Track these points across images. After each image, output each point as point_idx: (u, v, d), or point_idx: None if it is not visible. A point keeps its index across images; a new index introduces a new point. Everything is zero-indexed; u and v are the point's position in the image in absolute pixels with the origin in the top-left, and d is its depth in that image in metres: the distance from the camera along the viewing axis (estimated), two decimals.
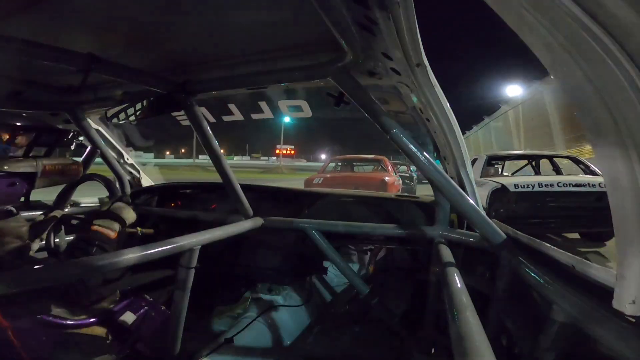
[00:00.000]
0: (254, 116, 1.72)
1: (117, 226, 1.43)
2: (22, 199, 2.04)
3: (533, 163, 6.76)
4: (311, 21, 1.04)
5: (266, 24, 1.12)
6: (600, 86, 0.47)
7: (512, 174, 6.98)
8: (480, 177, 5.85)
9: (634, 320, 0.52)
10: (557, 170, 6.32)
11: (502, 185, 5.00)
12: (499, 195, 4.94)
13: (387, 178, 7.98)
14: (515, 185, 4.95)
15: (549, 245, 1.09)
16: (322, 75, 1.29)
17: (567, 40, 0.46)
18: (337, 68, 1.22)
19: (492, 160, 6.64)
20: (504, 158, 7.26)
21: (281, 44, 1.27)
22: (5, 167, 1.57)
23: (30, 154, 1.99)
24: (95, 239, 1.36)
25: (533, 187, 4.93)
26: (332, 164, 10.05)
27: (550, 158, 6.62)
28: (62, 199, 1.96)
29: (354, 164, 10.04)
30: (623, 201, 0.51)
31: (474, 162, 6.67)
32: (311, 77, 1.33)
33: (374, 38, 0.97)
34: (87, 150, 2.34)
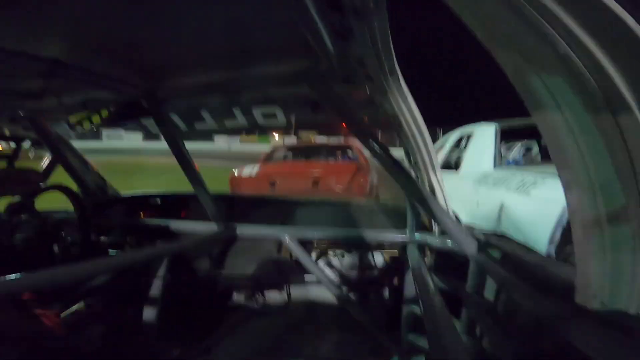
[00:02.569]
0: (227, 123, 1.70)
1: None
2: None
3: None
4: (286, 27, 1.04)
5: (240, 30, 1.11)
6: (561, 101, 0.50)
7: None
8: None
9: (595, 314, 0.55)
10: None
11: None
12: None
13: (359, 175, 5.36)
14: None
15: (515, 245, 1.14)
16: (297, 81, 1.29)
17: (528, 48, 0.48)
18: (312, 75, 1.23)
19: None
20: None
21: (255, 51, 1.26)
22: None
23: None
24: None
25: None
26: (281, 154, 7.00)
27: None
28: (20, 210, 1.84)
29: (311, 152, 6.98)
30: (579, 199, 0.55)
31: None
32: (286, 83, 1.33)
33: (349, 45, 0.98)
34: (47, 158, 2.21)
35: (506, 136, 3.27)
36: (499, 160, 3.04)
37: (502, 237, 1.15)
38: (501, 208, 2.26)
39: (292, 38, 1.10)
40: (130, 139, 30.98)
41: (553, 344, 0.67)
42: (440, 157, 4.08)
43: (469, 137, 3.64)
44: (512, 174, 2.47)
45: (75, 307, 1.52)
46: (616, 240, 0.51)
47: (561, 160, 0.55)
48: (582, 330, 0.51)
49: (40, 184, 2.06)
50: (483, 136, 3.29)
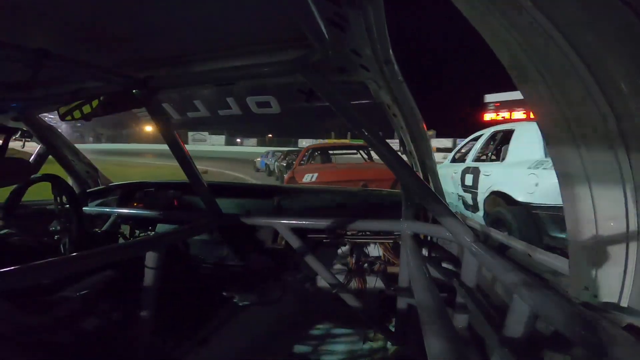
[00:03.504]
0: (221, 112, 1.67)
1: None
2: None
3: None
4: (281, 17, 1.02)
5: (234, 19, 1.09)
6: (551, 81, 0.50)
7: None
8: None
9: (586, 305, 0.56)
10: None
11: None
12: None
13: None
14: None
15: (508, 235, 1.16)
16: (292, 71, 1.28)
17: (525, 40, 0.48)
18: (306, 64, 1.22)
19: None
20: None
21: (250, 40, 1.24)
22: None
23: None
24: None
25: None
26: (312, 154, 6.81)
27: None
28: (11, 202, 1.81)
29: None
30: (574, 193, 0.55)
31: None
32: (280, 73, 1.31)
33: (344, 35, 0.97)
34: (37, 149, 2.18)
35: None
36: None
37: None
38: None
39: (287, 27, 1.08)
40: (214, 142, 30.94)
41: (546, 334, 0.69)
42: (472, 153, 4.98)
43: (507, 133, 4.28)
44: None
45: (68, 300, 1.52)
46: (609, 235, 0.52)
47: (558, 154, 0.55)
48: (573, 321, 0.52)
49: (32, 174, 2.03)
50: (529, 132, 3.85)
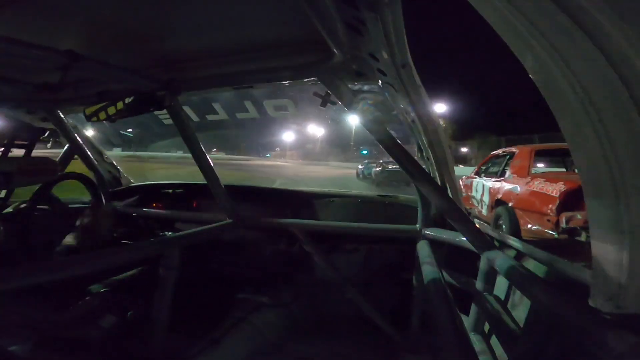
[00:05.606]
0: (239, 115, 1.71)
1: None
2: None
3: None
4: (298, 21, 1.03)
5: (253, 23, 1.11)
6: (579, 86, 0.48)
7: None
8: None
9: (609, 317, 0.54)
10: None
11: None
12: None
13: None
14: None
15: (528, 244, 1.13)
16: (309, 75, 1.29)
17: (547, 41, 0.47)
18: (323, 68, 1.23)
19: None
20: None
21: (268, 43, 1.26)
22: None
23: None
24: None
25: None
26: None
27: None
28: (38, 198, 1.89)
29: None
30: (597, 198, 0.53)
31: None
32: (298, 76, 1.33)
33: (362, 39, 0.97)
34: (65, 148, 2.26)
35: None
36: None
37: None
38: None
39: (305, 31, 1.09)
40: None
41: (565, 345, 0.67)
42: None
43: None
44: None
45: (87, 297, 1.55)
46: (636, 246, 0.50)
47: (585, 163, 0.53)
48: (595, 333, 0.50)
49: (58, 172, 2.10)
50: None
